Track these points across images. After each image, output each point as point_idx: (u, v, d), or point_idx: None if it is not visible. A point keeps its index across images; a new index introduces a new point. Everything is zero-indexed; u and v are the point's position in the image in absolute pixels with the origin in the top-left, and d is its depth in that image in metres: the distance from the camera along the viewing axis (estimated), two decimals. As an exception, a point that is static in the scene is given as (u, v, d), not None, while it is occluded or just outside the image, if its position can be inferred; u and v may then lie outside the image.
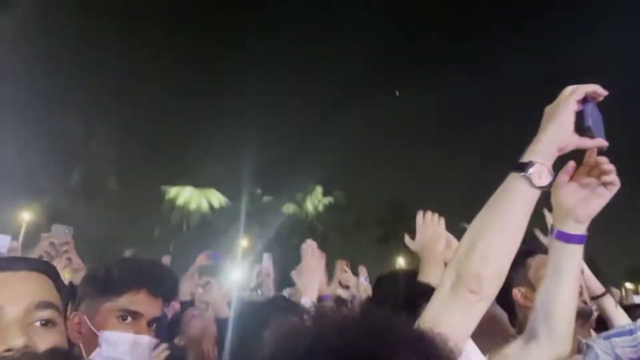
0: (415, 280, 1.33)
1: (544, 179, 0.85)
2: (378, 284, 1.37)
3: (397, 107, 45.75)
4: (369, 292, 3.91)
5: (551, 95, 0.92)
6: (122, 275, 1.23)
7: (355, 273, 4.42)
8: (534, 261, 1.43)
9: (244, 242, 30.50)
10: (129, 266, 1.28)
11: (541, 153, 0.87)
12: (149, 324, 1.22)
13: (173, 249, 35.63)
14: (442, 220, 1.67)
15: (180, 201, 36.26)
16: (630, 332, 1.30)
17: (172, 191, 36.49)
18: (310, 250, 2.49)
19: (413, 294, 1.17)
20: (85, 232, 30.51)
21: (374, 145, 49.73)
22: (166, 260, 4.51)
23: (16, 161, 27.72)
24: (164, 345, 1.45)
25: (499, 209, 0.86)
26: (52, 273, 0.95)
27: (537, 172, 0.84)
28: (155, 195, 36.14)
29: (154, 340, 1.24)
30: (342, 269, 4.10)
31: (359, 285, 3.95)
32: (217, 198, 37.27)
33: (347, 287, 3.77)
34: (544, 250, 1.41)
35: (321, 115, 47.41)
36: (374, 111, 44.54)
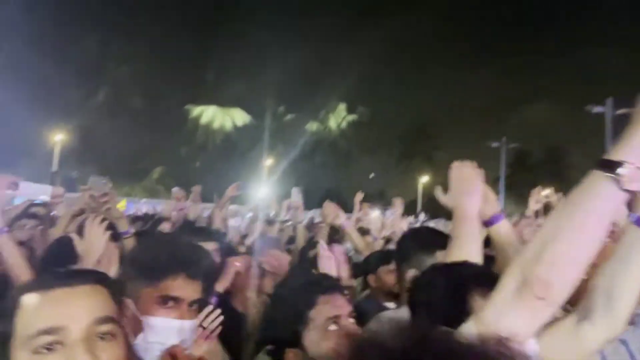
0: (463, 265, 1.20)
1: (636, 183, 0.73)
2: (419, 284, 1.23)
3: (421, 25, 42.95)
4: (397, 226, 3.84)
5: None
6: (161, 261, 1.24)
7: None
8: None
9: (268, 161, 30.90)
10: (167, 251, 1.30)
11: (634, 151, 0.74)
12: (190, 305, 1.24)
13: (199, 168, 36.69)
14: (480, 173, 1.48)
15: (204, 120, 36.45)
16: None
17: (196, 110, 36.56)
18: None
19: (461, 279, 1.09)
20: (114, 151, 31.64)
21: (397, 62, 47.62)
22: (197, 189, 4.47)
23: (44, 83, 27.99)
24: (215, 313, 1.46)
25: (577, 211, 0.75)
26: (107, 282, 0.96)
27: (628, 173, 0.72)
28: (179, 114, 36.38)
29: (196, 323, 1.29)
30: (364, 211, 4.09)
31: (380, 226, 3.95)
32: (240, 117, 37.26)
33: (367, 232, 3.76)
34: None
35: (345, 31, 45.08)
36: (397, 28, 41.98)
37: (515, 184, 37.63)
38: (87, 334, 0.83)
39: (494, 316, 0.76)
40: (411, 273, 1.59)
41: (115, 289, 0.96)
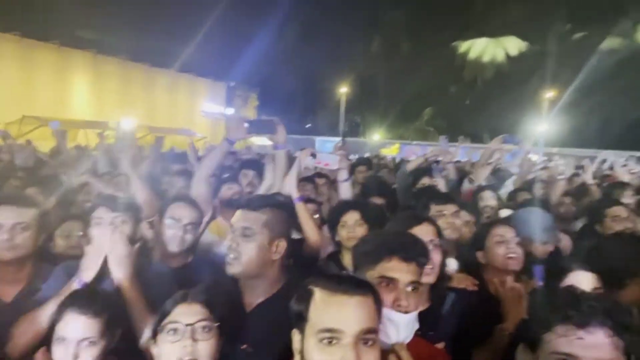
0: None
1: None
2: None
3: None
4: None
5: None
6: (376, 246, 1.36)
7: None
8: None
9: (549, 93, 26.90)
10: (381, 237, 1.42)
11: None
12: (407, 287, 1.30)
13: (469, 106, 35.39)
14: None
15: (472, 55, 34.53)
16: None
17: (464, 45, 34.92)
18: None
19: None
20: (389, 96, 34.03)
21: None
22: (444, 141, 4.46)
23: (330, 41, 32.34)
24: None
25: None
26: (376, 294, 1.12)
27: None
28: (447, 52, 35.58)
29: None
30: None
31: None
32: (515, 45, 33.41)
33: None
34: None
35: None
36: None
37: None
38: (356, 340, 1.03)
39: None
40: None
41: (379, 298, 1.12)
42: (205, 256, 2.39)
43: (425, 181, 3.67)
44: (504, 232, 2.07)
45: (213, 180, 2.83)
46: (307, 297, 1.08)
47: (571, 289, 1.19)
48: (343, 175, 2.84)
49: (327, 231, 2.70)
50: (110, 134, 7.85)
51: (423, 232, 1.76)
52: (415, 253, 1.34)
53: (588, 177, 3.90)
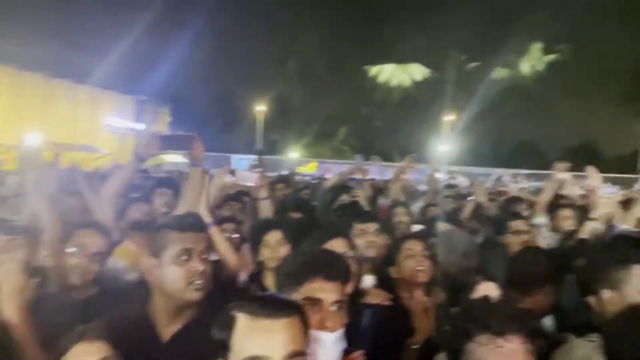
0: None
1: None
2: None
3: None
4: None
5: None
6: (298, 267, 1.32)
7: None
8: None
9: (450, 116, 29.37)
10: (303, 257, 1.38)
11: None
12: (332, 306, 1.28)
13: (380, 127, 37.35)
14: None
15: (381, 78, 36.66)
16: None
17: (374, 70, 36.98)
18: None
19: None
20: (306, 115, 34.75)
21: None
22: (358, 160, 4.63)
23: (246, 60, 32.32)
24: None
25: None
26: (303, 314, 1.08)
27: None
28: (359, 75, 37.37)
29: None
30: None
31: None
32: (419, 71, 36.16)
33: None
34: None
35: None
36: None
37: None
38: None
39: None
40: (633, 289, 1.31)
41: (306, 318, 1.08)
42: (113, 286, 2.17)
43: (344, 198, 3.74)
44: (413, 246, 2.11)
45: (121, 200, 2.61)
46: (229, 324, 1.03)
47: (488, 300, 1.27)
48: (263, 193, 2.79)
49: (248, 251, 2.62)
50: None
51: (336, 246, 1.78)
52: (339, 271, 1.33)
53: (479, 195, 4.20)
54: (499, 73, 34.24)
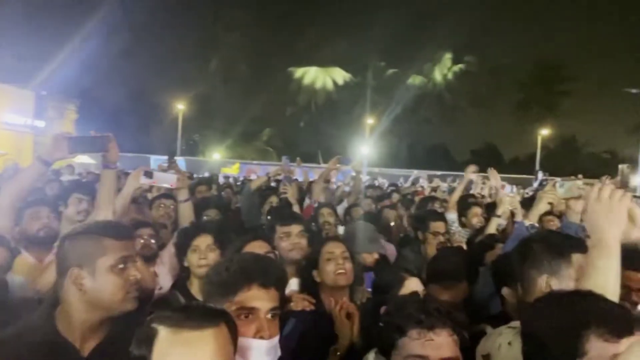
0: (586, 298, 1.06)
1: None
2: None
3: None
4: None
5: None
6: (231, 275, 1.25)
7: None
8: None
9: (370, 119, 30.51)
10: (236, 264, 1.31)
11: None
12: (268, 314, 1.24)
13: (304, 128, 37.71)
14: (627, 198, 1.27)
15: (306, 81, 37.04)
16: None
17: (299, 72, 37.26)
18: None
19: (580, 315, 1.00)
20: (228, 115, 33.98)
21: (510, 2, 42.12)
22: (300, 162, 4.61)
23: (167, 57, 30.74)
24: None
25: None
26: (230, 322, 1.03)
27: None
28: (284, 76, 37.40)
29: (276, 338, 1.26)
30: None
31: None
32: (340, 75, 37.08)
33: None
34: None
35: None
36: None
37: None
38: None
39: None
40: (545, 280, 1.42)
41: (234, 326, 1.04)
42: (10, 303, 1.92)
43: (273, 200, 3.71)
44: (334, 249, 2.06)
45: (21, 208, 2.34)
46: (149, 338, 0.96)
47: (417, 295, 1.32)
48: (183, 194, 2.66)
49: (168, 256, 2.49)
50: None
51: (255, 249, 1.76)
52: (274, 277, 1.28)
53: (396, 197, 4.46)
54: (414, 80, 36.29)
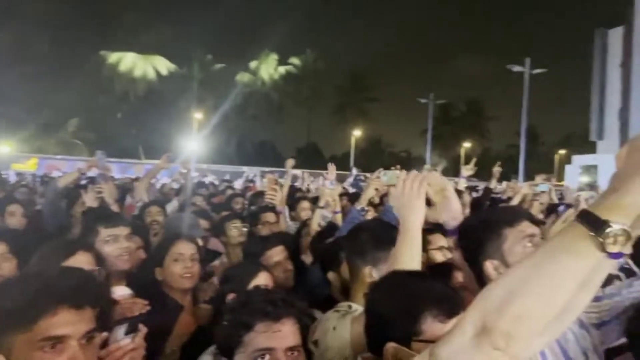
0: (423, 280, 1.16)
1: (623, 249, 0.62)
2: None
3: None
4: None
5: None
6: (28, 298, 0.96)
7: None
8: (511, 232, 1.25)
9: (197, 114, 29.43)
10: (33, 283, 1.01)
11: (626, 211, 0.62)
12: (82, 339, 1.00)
13: (121, 119, 34.15)
14: (424, 188, 1.38)
15: (122, 68, 33.60)
16: (597, 299, 1.27)
17: (113, 57, 33.52)
18: None
19: (417, 295, 1.08)
20: (22, 100, 28.22)
21: (334, 10, 46.37)
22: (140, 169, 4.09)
23: None
24: None
25: (552, 266, 0.65)
26: None
27: (614, 237, 0.61)
28: (95, 60, 33.12)
29: None
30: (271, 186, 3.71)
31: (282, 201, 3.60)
32: (164, 65, 34.82)
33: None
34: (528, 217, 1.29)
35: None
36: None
37: (441, 136, 39.78)
38: None
39: (448, 356, 0.70)
40: (368, 271, 1.52)
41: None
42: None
43: (87, 200, 3.21)
44: (183, 250, 1.98)
45: None
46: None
47: (261, 289, 1.29)
48: None
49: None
50: None
51: (80, 263, 1.49)
52: (88, 293, 1.05)
53: (238, 186, 4.47)
54: (242, 77, 36.53)
